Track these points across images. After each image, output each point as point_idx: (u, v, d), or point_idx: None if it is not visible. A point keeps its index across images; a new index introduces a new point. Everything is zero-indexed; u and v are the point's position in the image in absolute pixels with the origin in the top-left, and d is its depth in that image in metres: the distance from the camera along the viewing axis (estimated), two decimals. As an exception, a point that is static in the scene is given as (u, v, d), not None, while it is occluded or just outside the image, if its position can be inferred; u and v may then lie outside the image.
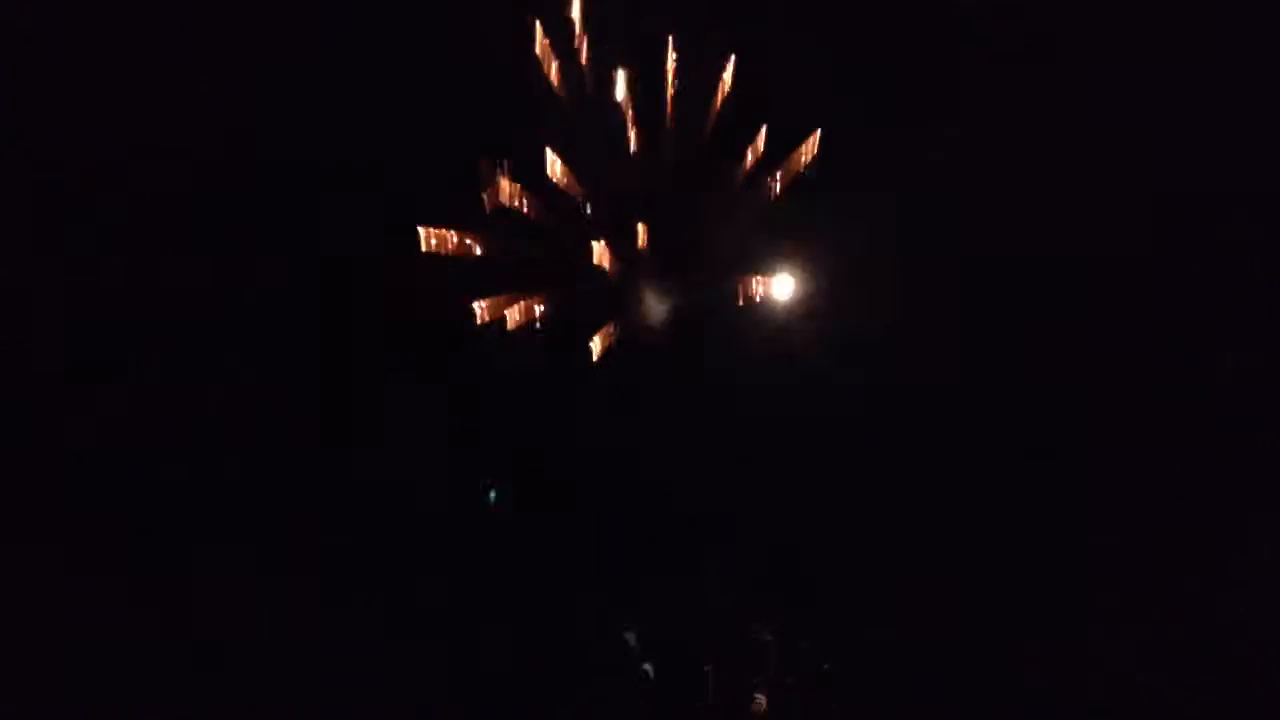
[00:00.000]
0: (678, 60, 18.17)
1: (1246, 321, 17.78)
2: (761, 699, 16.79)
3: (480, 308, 17.56)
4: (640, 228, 17.76)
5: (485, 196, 17.80)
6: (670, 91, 18.33)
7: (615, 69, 18.09)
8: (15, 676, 16.54)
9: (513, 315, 17.77)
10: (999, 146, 18.07)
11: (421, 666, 17.20)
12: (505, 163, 17.69)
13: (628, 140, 18.36)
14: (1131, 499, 17.33)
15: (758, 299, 18.13)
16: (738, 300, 18.13)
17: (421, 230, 17.50)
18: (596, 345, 17.64)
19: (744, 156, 18.23)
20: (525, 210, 18.06)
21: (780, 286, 18.04)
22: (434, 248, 17.59)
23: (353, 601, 17.38)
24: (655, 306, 18.47)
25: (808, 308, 18.13)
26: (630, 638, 17.21)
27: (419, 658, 17.20)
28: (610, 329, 17.94)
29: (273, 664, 16.83)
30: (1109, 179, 17.95)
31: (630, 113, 18.19)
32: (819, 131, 17.75)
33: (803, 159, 17.97)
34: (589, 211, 18.43)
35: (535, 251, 18.29)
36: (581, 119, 18.40)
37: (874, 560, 17.53)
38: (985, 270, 18.01)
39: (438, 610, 17.48)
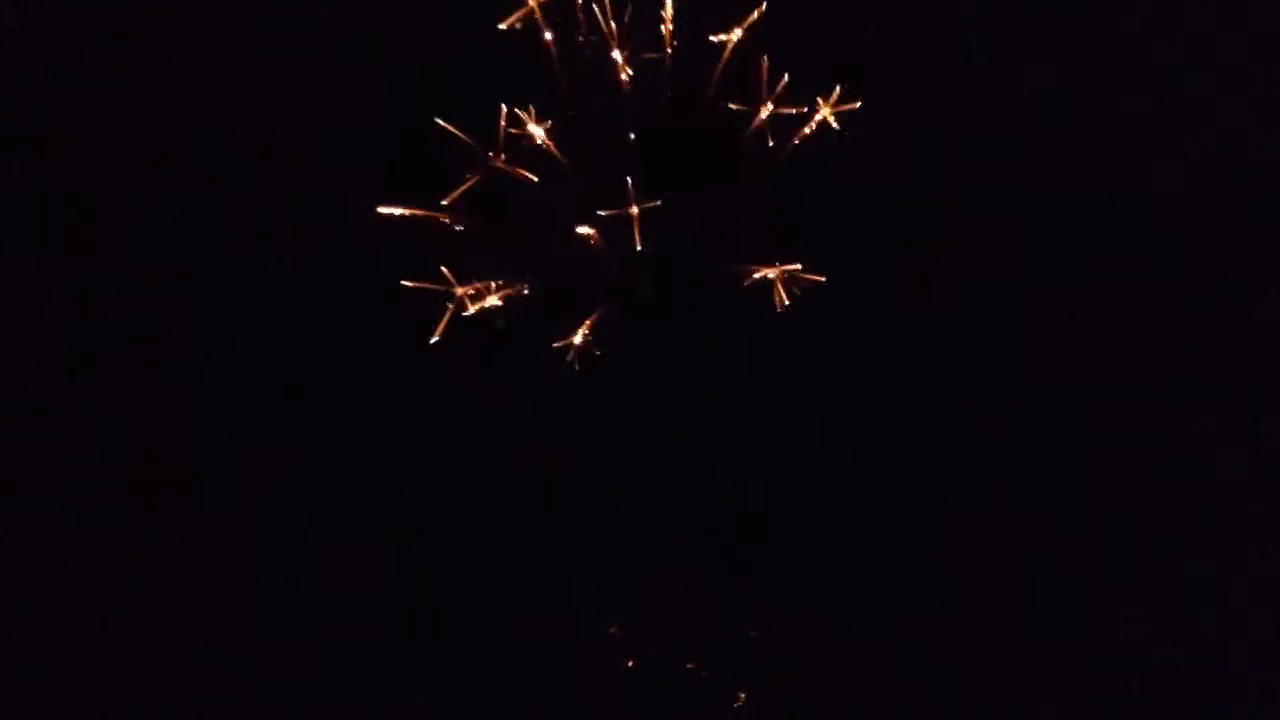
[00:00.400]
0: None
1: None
2: None
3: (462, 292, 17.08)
4: (633, 198, 16.98)
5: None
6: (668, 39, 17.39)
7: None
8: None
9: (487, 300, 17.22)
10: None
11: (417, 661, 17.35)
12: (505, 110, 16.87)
13: (622, 99, 17.57)
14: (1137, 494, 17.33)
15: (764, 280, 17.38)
16: (741, 283, 17.53)
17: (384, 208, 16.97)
18: (578, 340, 17.27)
19: (752, 118, 17.35)
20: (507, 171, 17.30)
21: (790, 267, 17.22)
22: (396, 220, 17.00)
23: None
24: (648, 289, 18.06)
25: (817, 291, 17.37)
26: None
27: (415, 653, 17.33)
28: (594, 319, 17.32)
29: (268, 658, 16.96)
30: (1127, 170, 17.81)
31: (623, 59, 17.22)
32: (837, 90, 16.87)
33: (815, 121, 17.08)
34: (576, 182, 17.57)
35: (512, 226, 17.60)
36: (573, 76, 17.69)
37: (869, 558, 17.50)
38: (1013, 267, 17.82)
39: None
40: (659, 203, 16.92)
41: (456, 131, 16.97)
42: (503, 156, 17.15)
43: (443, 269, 16.89)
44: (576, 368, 17.37)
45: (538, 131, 17.00)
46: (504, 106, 16.78)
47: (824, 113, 17.02)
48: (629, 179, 16.72)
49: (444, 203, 17.12)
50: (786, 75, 16.87)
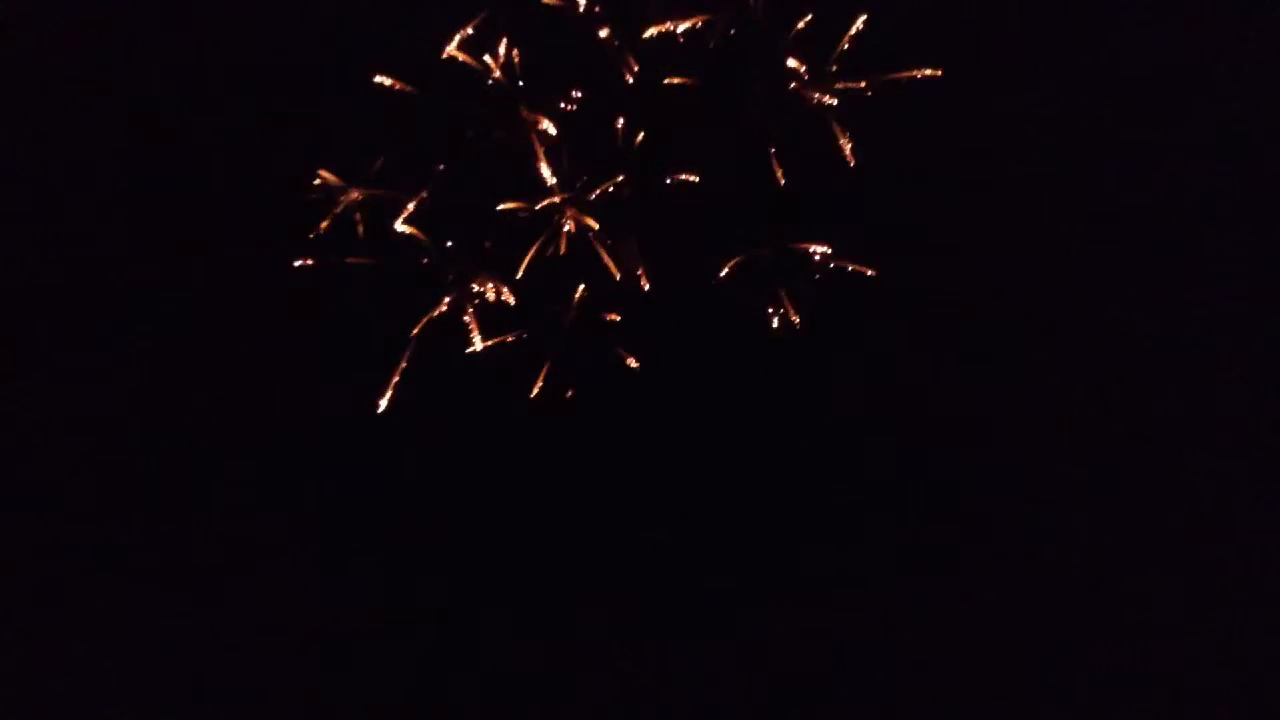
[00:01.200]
0: None
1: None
2: None
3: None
4: (622, 178, 16.55)
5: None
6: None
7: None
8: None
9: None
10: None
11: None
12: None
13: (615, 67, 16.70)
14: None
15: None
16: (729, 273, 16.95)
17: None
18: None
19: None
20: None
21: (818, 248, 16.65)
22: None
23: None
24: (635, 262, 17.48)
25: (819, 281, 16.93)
26: None
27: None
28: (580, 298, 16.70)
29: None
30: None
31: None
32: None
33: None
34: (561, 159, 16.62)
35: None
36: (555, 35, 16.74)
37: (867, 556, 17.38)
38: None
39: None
40: (653, 180, 16.54)
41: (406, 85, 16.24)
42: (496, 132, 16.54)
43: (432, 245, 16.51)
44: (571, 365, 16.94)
45: (547, 124, 16.30)
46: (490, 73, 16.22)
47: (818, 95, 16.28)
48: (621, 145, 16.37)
49: (423, 194, 16.52)
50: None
